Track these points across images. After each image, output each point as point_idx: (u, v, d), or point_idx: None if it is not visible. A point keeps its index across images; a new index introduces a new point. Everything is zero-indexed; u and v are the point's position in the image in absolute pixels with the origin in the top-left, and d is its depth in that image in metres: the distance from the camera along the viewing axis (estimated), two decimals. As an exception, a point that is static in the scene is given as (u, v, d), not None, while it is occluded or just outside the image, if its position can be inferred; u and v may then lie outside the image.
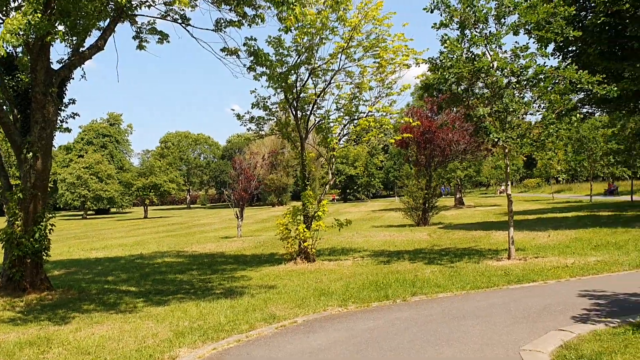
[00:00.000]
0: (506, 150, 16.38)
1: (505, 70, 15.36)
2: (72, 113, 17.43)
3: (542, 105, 16.03)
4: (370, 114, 18.24)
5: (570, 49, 25.33)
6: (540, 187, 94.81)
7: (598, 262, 14.87)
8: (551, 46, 23.45)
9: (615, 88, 15.37)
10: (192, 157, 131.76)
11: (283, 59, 17.51)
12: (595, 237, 20.66)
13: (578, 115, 16.23)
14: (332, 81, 18.14)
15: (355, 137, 18.57)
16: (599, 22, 21.69)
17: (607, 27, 23.39)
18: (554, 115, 15.40)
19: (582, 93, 25.24)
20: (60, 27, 14.06)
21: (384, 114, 18.21)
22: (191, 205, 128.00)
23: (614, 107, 28.35)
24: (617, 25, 23.24)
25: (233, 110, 73.94)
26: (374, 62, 17.68)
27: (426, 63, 16.47)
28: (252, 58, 15.85)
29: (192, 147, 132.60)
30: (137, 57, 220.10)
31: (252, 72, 16.76)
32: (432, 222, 33.76)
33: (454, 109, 29.37)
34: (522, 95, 16.10)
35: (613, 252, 16.69)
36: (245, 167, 32.49)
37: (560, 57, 25.67)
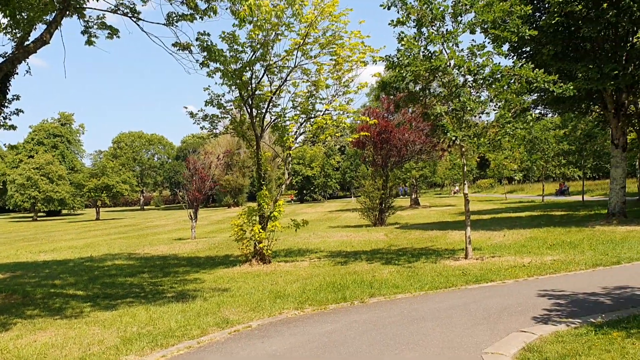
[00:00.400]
0: (463, 150, 16.28)
1: (462, 68, 15.27)
2: (16, 109, 16.64)
3: (499, 105, 15.97)
4: (327, 112, 17.94)
5: (524, 49, 25.50)
6: (493, 187, 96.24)
7: (554, 262, 14.87)
8: (505, 46, 23.59)
9: (572, 87, 15.42)
10: (145, 157, 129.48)
11: (237, 55, 17.05)
12: (549, 236, 20.80)
13: (533, 114, 16.25)
14: (288, 78, 17.78)
15: (312, 135, 18.21)
16: (553, 22, 21.84)
17: (560, 28, 23.62)
18: (510, 114, 15.37)
19: (536, 94, 25.47)
20: (4, 20, 13.36)
21: (341, 112, 17.92)
22: (145, 207, 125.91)
23: (567, 107, 28.68)
24: (570, 26, 23.49)
25: (186, 108, 72.76)
26: (331, 60, 17.39)
27: (383, 61, 16.25)
28: (205, 53, 15.35)
29: (145, 147, 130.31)
30: (90, 56, 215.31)
31: (206, 69, 16.28)
32: (388, 223, 33.71)
33: (410, 109, 29.51)
34: (478, 94, 16.06)
35: (568, 251, 16.75)
36: (200, 167, 31.86)
37: (515, 57, 25.82)
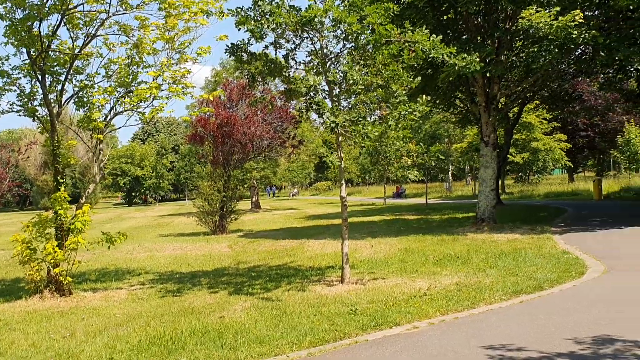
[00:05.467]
0: (340, 139, 12.32)
1: (343, 26, 11.21)
2: None
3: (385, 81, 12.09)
4: (154, 80, 13.02)
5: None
6: (331, 189, 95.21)
7: (460, 287, 11.30)
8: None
9: (477, 59, 12.04)
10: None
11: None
12: (426, 247, 17.54)
13: (424, 97, 12.65)
14: (99, 35, 12.72)
15: (132, 113, 13.16)
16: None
17: (429, 7, 20.69)
18: (402, 91, 11.64)
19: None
20: None
21: (173, 83, 13.06)
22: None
23: (433, 100, 25.97)
24: (442, 3, 20.64)
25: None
26: (160, 10, 12.58)
27: (234, 15, 11.82)
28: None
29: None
30: None
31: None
32: (230, 230, 29.06)
33: (251, 100, 25.32)
34: (361, 65, 12.15)
35: (463, 269, 13.38)
36: (-7, 163, 25.30)
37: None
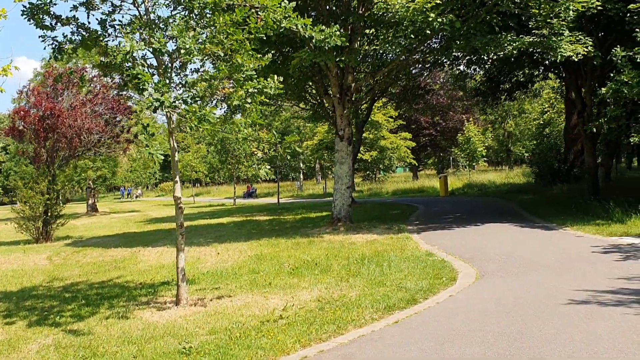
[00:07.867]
0: (173, 126, 9.91)
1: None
2: None
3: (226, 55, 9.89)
4: None
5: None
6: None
7: (322, 303, 9.31)
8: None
9: (338, 33, 10.18)
10: None
11: None
12: (279, 252, 15.54)
13: (275, 77, 10.61)
14: None
15: None
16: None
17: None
18: (251, 66, 9.48)
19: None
20: None
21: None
22: None
23: (284, 92, 24.07)
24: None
25: None
26: None
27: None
28: None
29: None
30: None
31: None
32: (57, 237, 25.29)
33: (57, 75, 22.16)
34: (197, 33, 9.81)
35: (324, 279, 11.47)
36: None
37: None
